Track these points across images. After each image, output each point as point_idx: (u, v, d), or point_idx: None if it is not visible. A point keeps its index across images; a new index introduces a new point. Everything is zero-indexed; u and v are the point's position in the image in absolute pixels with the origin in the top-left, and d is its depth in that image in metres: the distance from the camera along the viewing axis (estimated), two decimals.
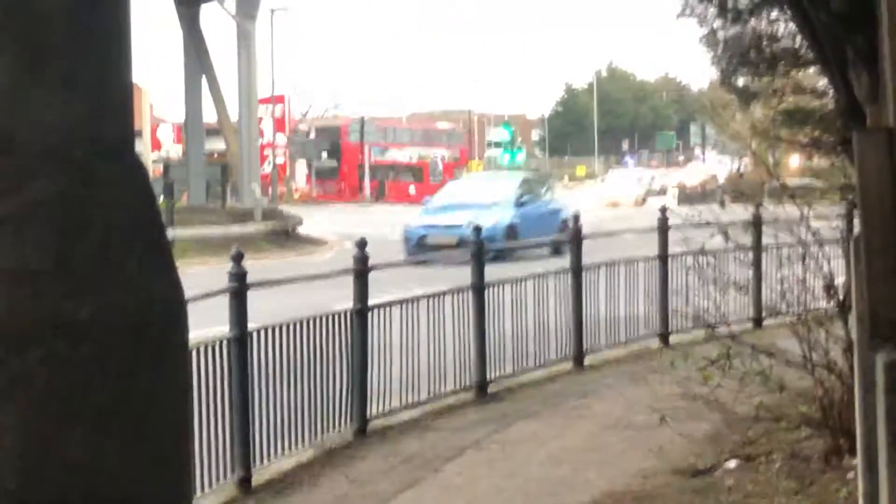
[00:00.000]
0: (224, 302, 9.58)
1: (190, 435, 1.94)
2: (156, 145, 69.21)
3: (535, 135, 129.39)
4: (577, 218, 15.00)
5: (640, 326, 14.97)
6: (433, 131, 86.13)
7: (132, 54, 1.81)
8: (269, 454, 9.87)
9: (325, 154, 72.20)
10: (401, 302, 11.97)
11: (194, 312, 8.00)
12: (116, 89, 1.79)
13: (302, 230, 40.50)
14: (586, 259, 14.51)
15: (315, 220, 44.49)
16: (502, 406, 12.35)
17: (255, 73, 41.65)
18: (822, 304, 9.27)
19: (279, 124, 66.10)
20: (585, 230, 14.89)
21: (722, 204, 11.36)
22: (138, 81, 64.16)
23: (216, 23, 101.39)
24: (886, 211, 2.95)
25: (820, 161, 12.95)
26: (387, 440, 11.02)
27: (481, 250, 13.08)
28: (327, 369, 10.72)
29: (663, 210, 15.79)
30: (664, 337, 15.07)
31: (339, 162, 72.87)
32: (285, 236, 38.62)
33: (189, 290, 8.42)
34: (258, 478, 9.68)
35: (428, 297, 12.35)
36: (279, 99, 66.80)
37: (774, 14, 9.64)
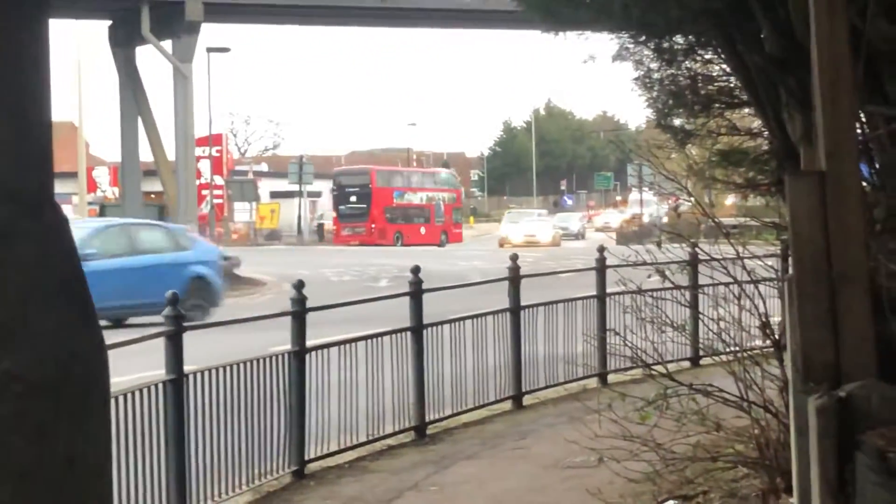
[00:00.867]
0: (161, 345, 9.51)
1: (110, 490, 1.90)
2: (92, 186, 68.76)
3: (475, 174, 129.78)
4: (514, 258, 15.01)
5: (579, 366, 14.99)
6: (435, 175, 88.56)
7: (51, 108, 1.78)
8: (205, 498, 9.78)
9: (353, 198, 74.78)
10: (339, 343, 11.93)
11: (130, 355, 7.92)
12: (35, 143, 1.76)
13: (240, 272, 40.31)
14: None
15: (255, 261, 44.33)
16: (442, 447, 12.31)
17: (192, 113, 41.56)
18: (759, 342, 9.31)
19: (217, 164, 65.88)
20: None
21: (659, 244, 11.40)
22: (74, 121, 63.84)
23: (153, 63, 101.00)
24: (817, 254, 2.97)
25: (755, 200, 13.04)
26: (325, 482, 10.96)
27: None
28: (265, 411, 10.65)
29: (601, 249, 15.84)
30: (603, 376, 15.10)
31: (368, 205, 74.65)
32: (225, 278, 38.41)
33: (125, 335, 8.32)
34: None
35: (366, 337, 12.32)
36: (217, 139, 66.62)
37: (709, 55, 9.72)
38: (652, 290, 11.00)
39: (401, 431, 12.59)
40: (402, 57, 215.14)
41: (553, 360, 14.99)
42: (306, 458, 11.20)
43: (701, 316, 10.07)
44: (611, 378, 14.83)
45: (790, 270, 3.76)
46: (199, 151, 47.75)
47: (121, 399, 8.67)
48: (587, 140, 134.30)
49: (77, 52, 42.30)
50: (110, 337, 8.37)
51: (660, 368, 9.37)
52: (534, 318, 14.83)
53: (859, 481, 3.05)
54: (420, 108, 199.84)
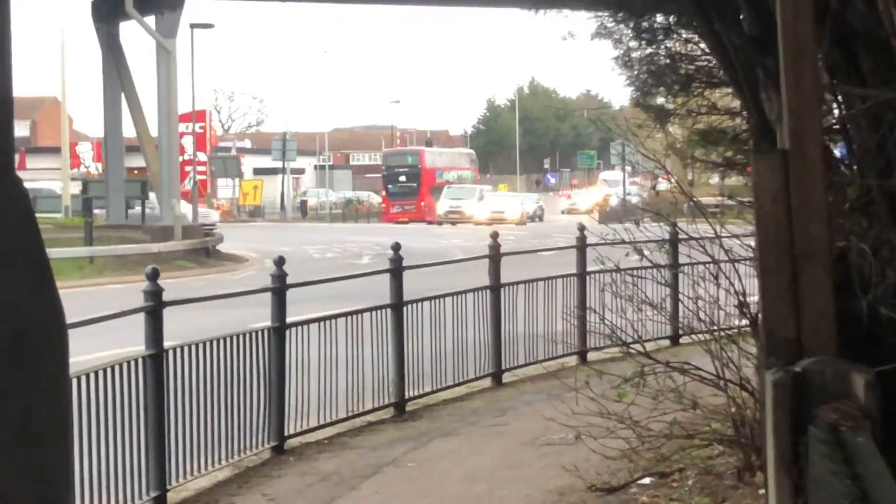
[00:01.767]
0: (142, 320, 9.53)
1: (71, 458, 1.92)
2: (75, 162, 68.61)
3: None
4: (495, 236, 15.04)
5: (559, 344, 15.04)
6: (460, 154, 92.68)
7: (12, 74, 1.80)
8: (185, 473, 9.82)
9: (402, 177, 78.14)
10: (319, 319, 11.97)
11: (110, 330, 7.95)
12: None
13: (222, 248, 40.33)
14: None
15: (238, 237, 44.36)
16: (421, 424, 12.37)
17: (175, 89, 41.36)
18: (736, 321, 9.37)
19: (200, 141, 65.72)
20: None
21: (637, 223, 11.45)
22: (57, 96, 63.52)
23: (136, 39, 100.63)
24: (781, 231, 3.01)
25: (735, 180, 13.07)
26: (304, 458, 11.01)
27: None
28: (245, 387, 10.69)
29: (581, 228, 15.89)
30: (582, 354, 15.17)
31: (418, 184, 77.52)
32: (205, 254, 38.42)
33: (106, 309, 8.37)
34: (174, 496, 9.64)
35: (347, 314, 12.35)
36: (200, 115, 66.43)
37: (688, 34, 9.74)
38: (631, 269, 11.05)
39: (381, 408, 12.65)
40: (385, 35, 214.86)
41: (533, 337, 15.05)
42: (286, 433, 11.24)
43: (679, 295, 10.13)
44: (590, 356, 14.90)
45: None
46: (182, 128, 47.57)
47: (100, 374, 8.70)
48: (571, 118, 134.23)
49: (60, 28, 42.00)
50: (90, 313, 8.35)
51: (637, 347, 9.43)
52: (514, 295, 14.87)
53: (812, 454, 3.10)
54: (403, 86, 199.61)
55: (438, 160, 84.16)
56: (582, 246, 15.79)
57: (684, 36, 9.69)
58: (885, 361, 3.72)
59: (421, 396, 13.23)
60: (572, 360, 15.04)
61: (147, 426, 9.31)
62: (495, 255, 14.66)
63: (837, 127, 6.34)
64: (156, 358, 9.45)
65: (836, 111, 6.33)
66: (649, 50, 9.80)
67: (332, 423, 11.91)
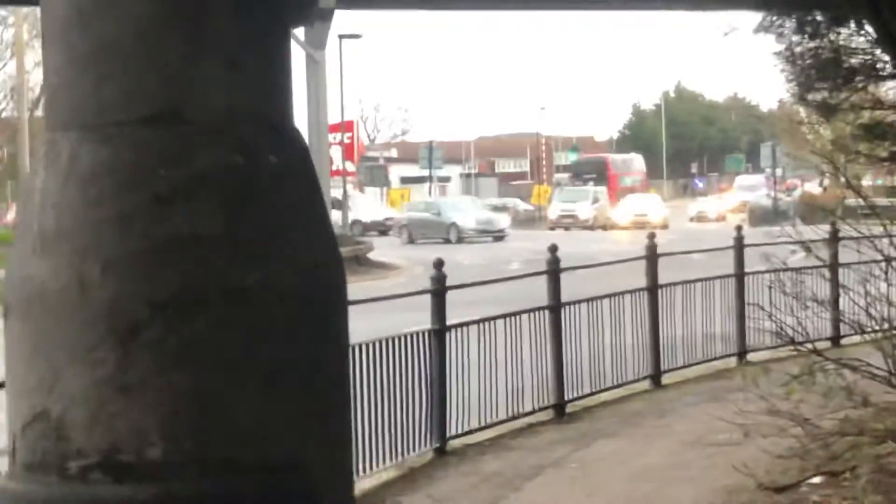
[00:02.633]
0: None
1: (349, 398, 1.99)
2: None
3: None
4: (651, 237, 14.94)
5: (718, 344, 14.90)
6: (632, 159, 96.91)
7: (290, 44, 1.89)
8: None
9: (591, 182, 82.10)
10: (478, 321, 12.00)
11: None
12: (278, 71, 1.86)
13: (372, 256, 40.66)
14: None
15: (387, 246, 44.69)
16: (581, 425, 12.33)
17: (325, 100, 41.89)
18: None
19: (348, 151, 66.39)
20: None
21: (794, 224, 11.31)
22: None
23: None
24: None
25: None
26: (466, 459, 11.04)
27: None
28: (407, 389, 10.76)
29: (739, 228, 15.78)
30: (741, 355, 15.01)
31: (605, 189, 79.68)
32: (356, 262, 38.76)
33: None
34: None
35: (505, 315, 12.37)
36: (348, 126, 67.10)
37: (852, 27, 9.61)
38: (793, 269, 10.93)
39: (540, 409, 12.64)
40: (529, 41, 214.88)
41: (691, 339, 14.94)
42: (448, 435, 11.29)
43: (848, 291, 9.96)
44: (750, 357, 14.72)
45: None
46: (330, 138, 48.12)
47: None
48: (718, 122, 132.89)
49: None
50: None
51: (806, 345, 9.30)
52: (672, 297, 14.78)
53: None
54: (548, 93, 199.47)
55: (621, 166, 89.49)
56: (739, 246, 15.65)
57: (849, 29, 9.57)
58: None
59: (580, 398, 13.20)
60: (732, 362, 14.88)
61: None
62: (652, 256, 14.58)
63: None
64: None
65: None
66: (812, 44, 9.68)
67: (492, 425, 11.93)
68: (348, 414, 1.92)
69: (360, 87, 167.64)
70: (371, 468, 10.19)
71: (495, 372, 12.04)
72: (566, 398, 12.91)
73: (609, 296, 13.95)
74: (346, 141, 65.97)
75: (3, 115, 67.62)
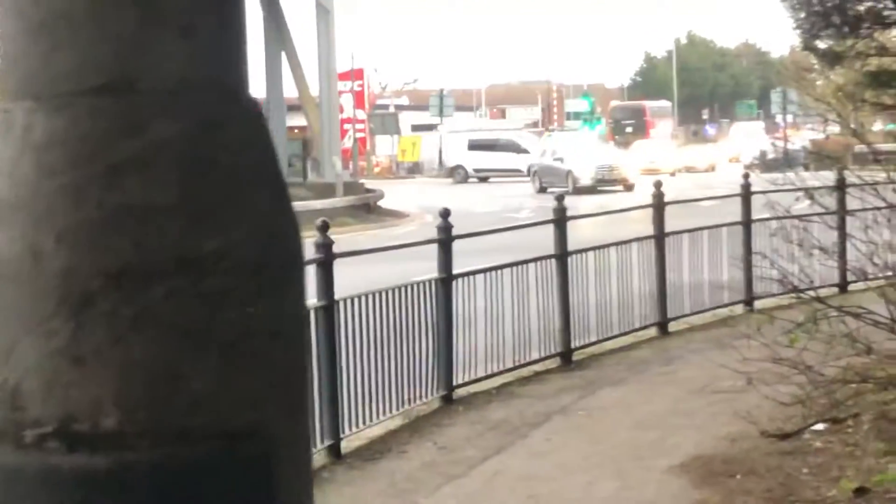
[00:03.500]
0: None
1: (308, 369, 2.00)
2: None
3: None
4: (658, 185, 14.93)
5: (724, 292, 14.91)
6: (663, 106, 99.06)
7: (245, 7, 1.89)
8: (357, 422, 9.96)
9: (629, 129, 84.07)
10: (485, 270, 12.02)
11: None
12: (234, 38, 1.86)
13: (383, 203, 40.67)
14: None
15: (397, 193, 44.67)
16: (587, 373, 12.38)
17: (334, 47, 41.80)
18: None
19: (359, 99, 66.26)
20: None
21: (806, 168, 11.30)
22: None
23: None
24: None
25: None
26: (473, 407, 11.09)
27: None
28: (413, 338, 10.79)
29: (746, 176, 15.74)
30: (748, 302, 15.01)
31: (643, 136, 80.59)
32: (367, 210, 38.78)
33: None
34: (347, 445, 9.78)
35: (512, 265, 12.39)
36: (358, 74, 66.97)
37: None
38: (799, 216, 10.91)
39: (547, 357, 12.68)
40: None
41: (698, 286, 14.95)
42: (454, 383, 11.33)
43: (852, 238, 9.95)
44: (756, 304, 14.72)
45: None
46: (340, 86, 48.04)
47: None
48: (729, 68, 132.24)
49: None
50: None
51: (810, 292, 9.31)
52: (679, 245, 14.78)
53: None
54: (558, 40, 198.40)
55: (657, 112, 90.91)
56: (746, 194, 15.62)
57: None
58: None
59: (587, 346, 13.23)
60: (738, 309, 14.88)
61: (320, 377, 9.46)
62: (658, 204, 14.57)
63: None
64: (327, 309, 9.59)
65: None
66: None
67: (499, 373, 11.98)
68: (306, 381, 1.93)
69: (370, 35, 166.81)
70: (378, 416, 10.25)
71: (502, 320, 12.07)
72: (573, 346, 12.95)
73: (616, 244, 13.96)
74: (357, 89, 65.90)
75: None
